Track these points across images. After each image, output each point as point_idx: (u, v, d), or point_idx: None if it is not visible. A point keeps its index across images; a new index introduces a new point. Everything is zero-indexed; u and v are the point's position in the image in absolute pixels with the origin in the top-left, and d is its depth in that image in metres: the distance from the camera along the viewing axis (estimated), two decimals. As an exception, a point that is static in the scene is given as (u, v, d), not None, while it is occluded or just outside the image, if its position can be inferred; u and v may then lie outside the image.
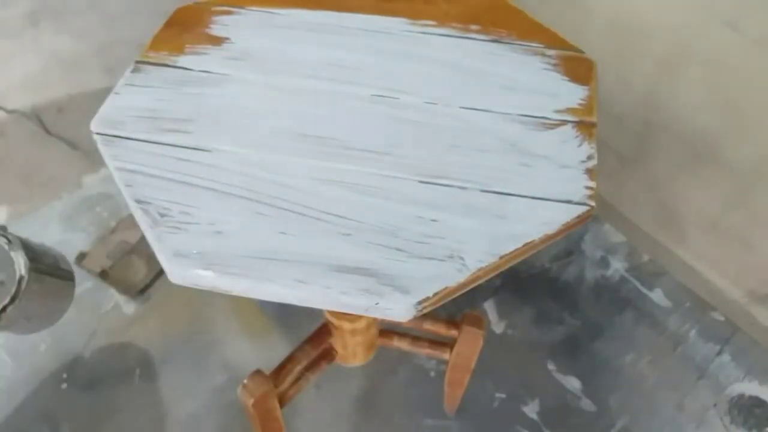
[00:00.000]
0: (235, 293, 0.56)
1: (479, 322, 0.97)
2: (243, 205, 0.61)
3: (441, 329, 1.00)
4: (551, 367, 1.29)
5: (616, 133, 1.38)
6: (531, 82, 0.76)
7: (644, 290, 1.41)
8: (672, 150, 1.30)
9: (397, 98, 0.73)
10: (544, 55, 0.79)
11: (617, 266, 1.45)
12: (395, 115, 0.71)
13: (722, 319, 1.37)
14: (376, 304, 0.55)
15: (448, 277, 0.57)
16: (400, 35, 0.81)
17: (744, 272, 1.32)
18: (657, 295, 1.40)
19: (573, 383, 1.27)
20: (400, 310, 0.55)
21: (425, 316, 0.94)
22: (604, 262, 1.45)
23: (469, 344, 0.98)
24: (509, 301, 1.38)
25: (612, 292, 1.41)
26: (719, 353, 1.32)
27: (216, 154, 0.66)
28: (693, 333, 1.35)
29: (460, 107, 0.72)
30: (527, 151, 0.68)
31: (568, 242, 1.49)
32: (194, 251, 0.57)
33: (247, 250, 0.57)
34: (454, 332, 0.99)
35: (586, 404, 1.24)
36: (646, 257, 1.46)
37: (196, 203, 0.61)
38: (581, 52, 0.80)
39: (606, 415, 1.23)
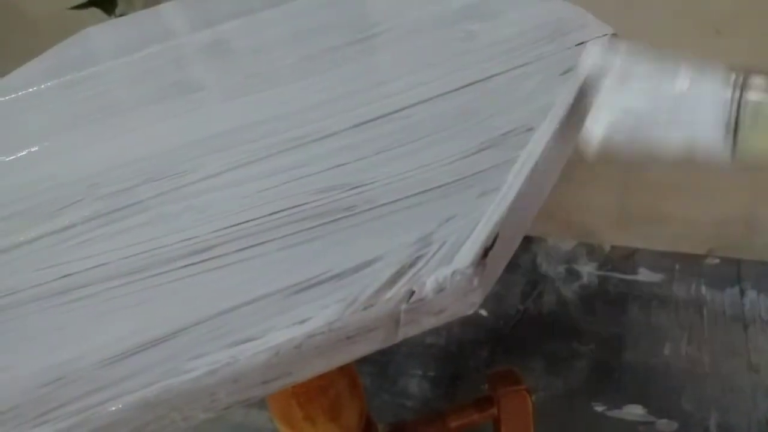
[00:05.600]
0: None
1: (514, 377, 0.71)
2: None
3: (473, 416, 0.73)
4: (600, 408, 1.03)
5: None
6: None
7: (629, 277, 1.23)
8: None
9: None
10: None
11: (588, 270, 1.26)
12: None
13: (718, 261, 1.21)
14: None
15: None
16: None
17: (706, 207, 1.19)
18: (644, 275, 1.22)
19: (634, 411, 1.01)
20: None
21: (447, 416, 0.68)
22: (573, 274, 1.26)
23: (516, 410, 0.71)
24: (511, 364, 1.13)
25: (601, 297, 1.21)
26: (743, 294, 1.14)
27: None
28: (704, 290, 1.17)
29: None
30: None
31: (526, 277, 1.29)
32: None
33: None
34: (491, 410, 0.72)
35: (664, 425, 0.99)
36: (607, 246, 1.29)
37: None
38: None
39: (691, 422, 0.98)
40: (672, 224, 1.24)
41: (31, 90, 0.70)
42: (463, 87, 0.45)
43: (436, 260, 0.32)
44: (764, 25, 1.01)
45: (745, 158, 0.35)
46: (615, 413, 1.01)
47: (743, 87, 0.35)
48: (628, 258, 1.26)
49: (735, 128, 0.35)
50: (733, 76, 0.35)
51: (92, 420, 0.29)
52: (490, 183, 0.35)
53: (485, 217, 0.33)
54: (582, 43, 0.46)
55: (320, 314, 0.30)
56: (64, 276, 0.40)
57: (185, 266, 0.37)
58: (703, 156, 0.36)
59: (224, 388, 0.29)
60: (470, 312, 0.32)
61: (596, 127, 0.38)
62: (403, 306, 0.31)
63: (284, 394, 0.61)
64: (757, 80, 0.35)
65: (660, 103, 0.36)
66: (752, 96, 0.35)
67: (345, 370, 0.64)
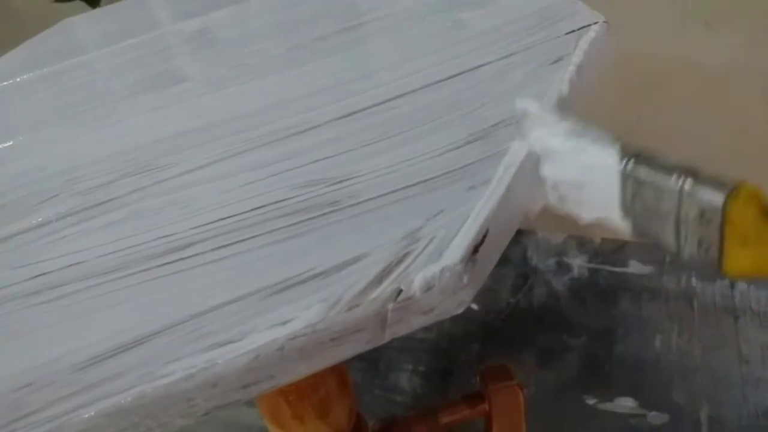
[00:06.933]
0: None
1: (506, 373, 0.70)
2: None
3: (464, 412, 0.72)
4: (591, 401, 1.02)
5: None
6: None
7: (619, 269, 1.22)
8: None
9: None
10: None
11: (578, 262, 1.25)
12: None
13: (708, 253, 1.21)
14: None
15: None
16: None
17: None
18: (634, 267, 1.22)
19: (625, 404, 1.01)
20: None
21: (438, 411, 0.67)
22: (563, 267, 1.25)
23: (508, 405, 0.71)
24: (501, 359, 1.12)
25: (591, 289, 1.20)
26: (733, 285, 1.14)
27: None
28: (694, 281, 1.16)
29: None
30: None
31: (516, 270, 1.28)
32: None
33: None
34: (483, 406, 0.71)
35: (655, 417, 0.98)
36: (597, 239, 1.29)
37: None
38: None
39: (682, 414, 0.97)
40: (663, 216, 1.23)
41: (7, 82, 0.68)
42: (451, 77, 0.44)
43: (424, 257, 0.31)
44: (753, 18, 1.00)
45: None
46: (606, 406, 1.01)
47: (631, 167, 0.33)
48: (618, 250, 1.26)
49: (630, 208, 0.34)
50: (626, 156, 0.34)
51: (65, 428, 0.28)
52: (480, 176, 0.34)
53: (475, 211, 0.32)
54: (573, 31, 0.45)
55: (303, 315, 0.29)
56: (39, 275, 0.38)
57: (164, 264, 0.35)
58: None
59: (202, 393, 0.28)
60: (460, 311, 0.31)
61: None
62: (390, 305, 0.30)
63: (272, 392, 0.59)
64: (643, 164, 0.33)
65: (575, 177, 0.36)
66: (636, 175, 0.33)
67: (335, 367, 0.63)
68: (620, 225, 0.35)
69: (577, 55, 0.41)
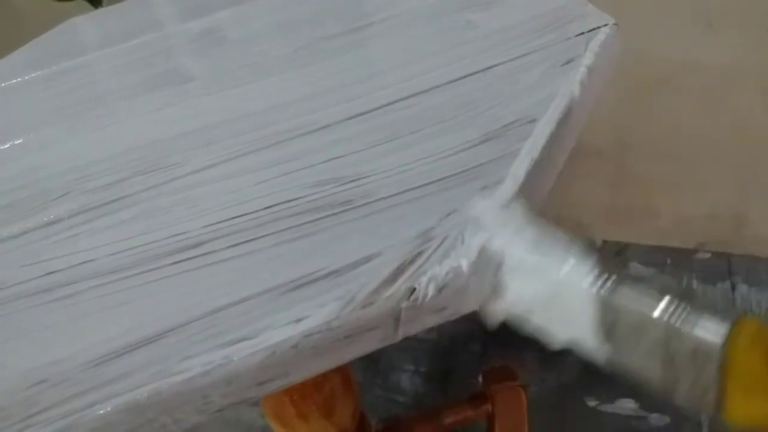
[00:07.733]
0: None
1: (509, 374, 0.70)
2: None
3: (467, 413, 0.72)
4: (593, 402, 1.03)
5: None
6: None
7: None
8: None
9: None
10: None
11: (580, 264, 1.26)
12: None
13: (708, 255, 1.21)
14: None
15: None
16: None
17: (697, 202, 1.19)
18: (636, 270, 1.22)
19: (627, 405, 1.01)
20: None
21: (441, 412, 0.67)
22: (565, 268, 1.26)
23: (511, 406, 0.71)
24: (502, 360, 1.12)
25: (593, 291, 1.20)
26: (734, 288, 1.14)
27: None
28: (696, 284, 1.17)
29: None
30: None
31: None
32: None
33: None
34: (486, 407, 0.71)
35: (656, 419, 0.98)
36: (599, 241, 1.29)
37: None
38: None
39: (684, 416, 0.97)
40: (663, 219, 1.23)
41: (15, 81, 0.68)
42: (463, 77, 0.44)
43: (438, 256, 0.31)
44: (755, 19, 1.01)
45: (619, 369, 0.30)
46: (608, 408, 1.01)
47: (610, 290, 0.29)
48: (619, 253, 1.26)
49: (608, 335, 0.29)
50: (604, 276, 0.29)
51: (79, 424, 0.28)
52: (493, 176, 0.34)
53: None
54: (583, 33, 0.45)
55: (317, 313, 0.29)
56: (49, 273, 0.38)
57: (176, 263, 0.35)
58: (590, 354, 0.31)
59: (218, 389, 0.28)
60: (473, 309, 0.31)
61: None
62: (404, 304, 0.30)
63: (277, 391, 0.59)
64: (625, 287, 0.29)
65: (544, 294, 0.32)
66: (617, 300, 0.29)
67: (339, 366, 0.63)
68: (596, 352, 0.30)
69: (588, 57, 0.41)
